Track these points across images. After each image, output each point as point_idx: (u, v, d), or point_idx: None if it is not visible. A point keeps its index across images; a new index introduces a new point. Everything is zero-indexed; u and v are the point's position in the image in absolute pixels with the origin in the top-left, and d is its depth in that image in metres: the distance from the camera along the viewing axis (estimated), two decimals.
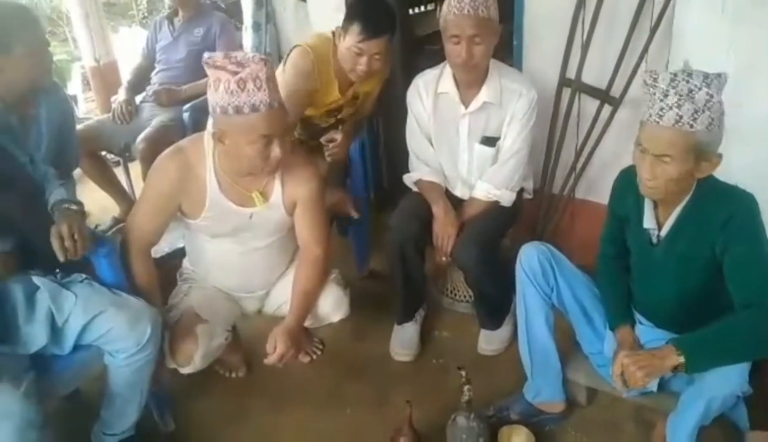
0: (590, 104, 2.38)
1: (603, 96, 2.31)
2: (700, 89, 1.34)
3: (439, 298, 2.58)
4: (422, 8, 4.32)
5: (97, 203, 3.23)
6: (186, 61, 3.19)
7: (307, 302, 1.93)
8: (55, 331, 1.60)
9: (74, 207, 1.66)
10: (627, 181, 1.59)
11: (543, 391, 1.89)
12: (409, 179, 2.28)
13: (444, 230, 2.10)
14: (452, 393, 1.86)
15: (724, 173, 1.48)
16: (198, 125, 2.87)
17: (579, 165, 2.47)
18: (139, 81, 3.30)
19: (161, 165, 1.79)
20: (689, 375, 1.46)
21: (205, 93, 3.01)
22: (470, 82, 2.09)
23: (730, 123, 1.41)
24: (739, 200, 1.45)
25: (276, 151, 1.66)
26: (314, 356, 2.30)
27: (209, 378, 2.13)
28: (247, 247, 1.92)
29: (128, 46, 4.88)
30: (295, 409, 2.08)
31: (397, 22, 2.22)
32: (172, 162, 1.77)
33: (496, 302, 2.25)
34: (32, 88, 1.97)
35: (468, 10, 1.90)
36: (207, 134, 1.79)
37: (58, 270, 1.66)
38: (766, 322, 1.37)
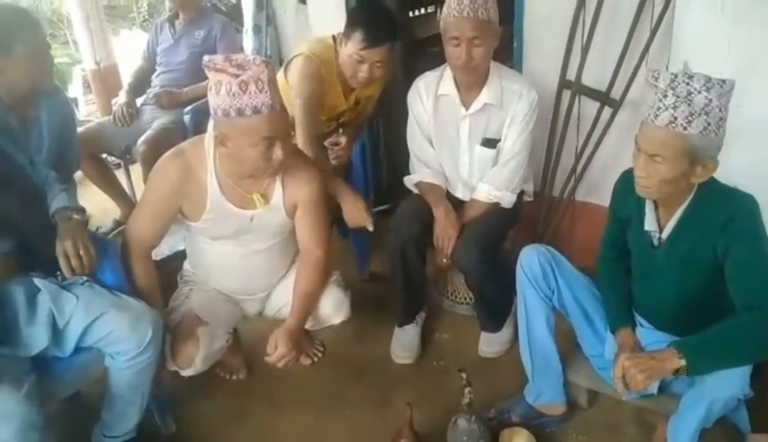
0: (590, 106, 2.38)
1: (603, 98, 2.31)
2: (699, 93, 1.33)
3: (439, 300, 2.58)
4: (422, 11, 4.33)
5: (97, 206, 3.23)
6: (187, 64, 3.19)
7: (308, 304, 1.93)
8: (56, 333, 1.60)
9: (76, 216, 1.66)
10: (628, 183, 1.59)
11: (544, 393, 1.88)
12: (409, 181, 2.28)
13: (445, 232, 2.10)
14: (453, 395, 1.85)
15: (723, 174, 1.48)
16: (199, 128, 2.88)
17: (579, 167, 2.47)
18: (140, 83, 3.30)
19: (162, 168, 1.79)
20: (690, 378, 1.46)
21: (206, 95, 3.03)
22: (470, 84, 2.09)
23: (729, 124, 1.41)
24: (740, 202, 1.45)
25: (278, 152, 1.66)
26: (315, 359, 2.30)
27: (210, 380, 2.12)
28: (248, 249, 1.92)
29: (129, 49, 4.88)
30: (296, 411, 2.08)
31: (398, 29, 2.22)
32: (173, 165, 1.78)
33: (496, 304, 2.25)
34: (33, 91, 1.97)
35: (467, 13, 1.91)
36: (208, 137, 1.79)
37: (59, 272, 1.65)
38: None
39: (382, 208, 2.20)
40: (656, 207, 1.57)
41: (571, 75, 2.36)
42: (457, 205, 2.21)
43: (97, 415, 1.78)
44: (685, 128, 1.35)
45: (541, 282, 1.76)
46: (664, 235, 1.56)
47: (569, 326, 1.84)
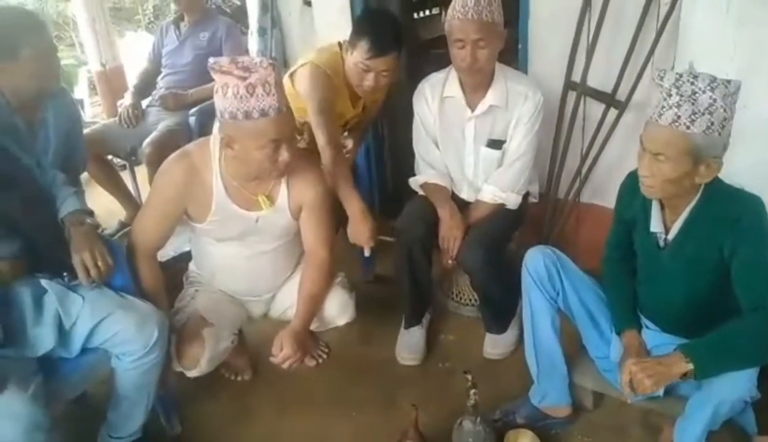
0: (595, 108, 2.38)
1: (608, 99, 2.31)
2: (703, 92, 1.33)
3: (444, 301, 2.58)
4: (427, 12, 4.33)
5: (103, 207, 3.23)
6: (192, 66, 3.21)
7: (313, 305, 1.93)
8: (63, 334, 1.60)
9: (89, 220, 1.67)
10: (633, 184, 1.59)
11: (549, 395, 1.88)
12: (415, 182, 2.28)
13: (450, 233, 2.10)
14: (458, 397, 1.85)
15: (728, 174, 1.47)
16: (204, 129, 2.89)
17: (584, 169, 2.46)
18: (146, 85, 3.32)
19: (167, 169, 1.80)
20: (697, 381, 1.45)
21: (211, 97, 3.04)
22: (476, 85, 2.09)
23: (735, 124, 1.41)
24: (747, 203, 1.45)
25: (284, 155, 1.66)
26: (320, 360, 2.29)
27: (215, 381, 2.13)
28: (254, 251, 1.92)
29: (134, 51, 4.91)
30: (301, 412, 2.08)
31: (404, 37, 2.20)
32: (179, 166, 1.78)
33: (501, 305, 2.25)
34: (40, 93, 1.98)
35: (472, 15, 1.91)
36: (213, 138, 1.80)
37: (65, 273, 1.66)
38: None
39: (387, 238, 2.17)
40: (662, 208, 1.56)
41: (577, 76, 2.36)
42: (462, 206, 2.21)
43: (102, 416, 1.78)
44: (688, 127, 1.35)
45: (546, 284, 1.75)
46: (670, 236, 1.55)
47: (574, 328, 1.84)
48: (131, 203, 3.19)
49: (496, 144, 2.15)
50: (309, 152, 2.12)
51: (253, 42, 3.27)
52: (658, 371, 1.42)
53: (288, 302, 2.00)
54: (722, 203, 1.46)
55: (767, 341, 1.38)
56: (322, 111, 2.09)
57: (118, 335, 1.61)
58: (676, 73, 1.38)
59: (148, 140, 2.95)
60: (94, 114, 5.10)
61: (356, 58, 2.13)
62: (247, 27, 3.41)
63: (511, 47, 2.31)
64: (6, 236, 1.56)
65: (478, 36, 1.93)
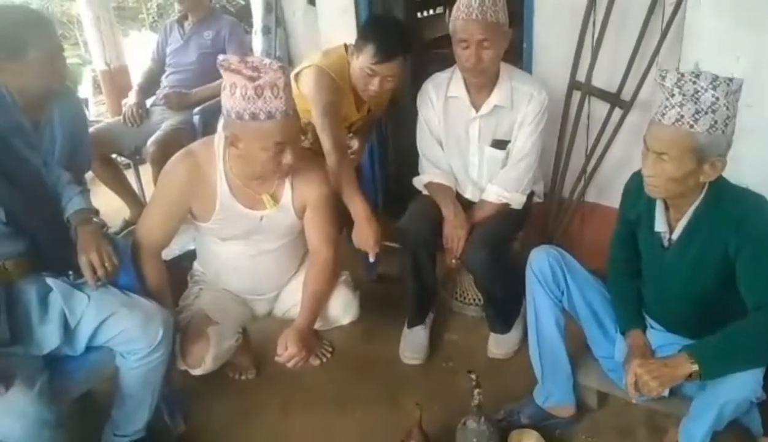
0: (600, 107, 2.38)
1: (613, 99, 2.30)
2: (706, 91, 1.33)
3: (448, 301, 2.58)
4: (431, 12, 4.33)
5: (107, 206, 3.24)
6: (196, 65, 3.21)
7: (317, 304, 1.93)
8: (68, 332, 1.60)
9: (95, 219, 1.68)
10: (638, 184, 1.58)
11: (553, 395, 1.88)
12: (419, 182, 2.28)
13: (454, 232, 2.10)
14: (462, 397, 1.86)
15: (733, 173, 1.47)
16: (208, 128, 2.89)
17: (589, 168, 2.46)
18: (150, 84, 3.32)
19: (171, 169, 1.80)
20: (702, 381, 1.45)
21: (215, 96, 3.04)
22: (480, 85, 2.09)
23: (740, 123, 1.41)
24: (752, 202, 1.45)
25: (288, 157, 1.67)
26: (324, 359, 2.30)
27: (219, 380, 2.13)
28: (258, 249, 1.92)
29: (138, 50, 4.90)
30: (305, 411, 2.08)
31: (411, 43, 2.20)
32: (183, 166, 1.78)
33: (505, 305, 2.25)
34: (46, 93, 1.99)
35: (476, 15, 1.91)
36: (218, 137, 1.80)
37: (70, 272, 1.66)
38: None
39: (392, 244, 2.15)
40: (666, 208, 1.56)
41: (581, 76, 2.35)
42: (467, 206, 2.21)
43: (107, 414, 1.79)
44: (691, 126, 1.34)
45: (550, 283, 1.75)
46: (675, 236, 1.55)
47: (579, 328, 1.84)
48: (135, 202, 3.19)
49: (500, 144, 2.15)
50: (313, 152, 2.12)
51: (257, 41, 3.27)
52: (663, 372, 1.42)
53: (292, 300, 2.01)
54: (727, 203, 1.46)
55: None
56: (326, 114, 2.09)
57: (122, 333, 1.61)
58: (678, 73, 1.38)
59: (152, 139, 2.95)
60: (98, 113, 5.10)
61: (362, 62, 2.13)
62: (251, 26, 3.41)
63: (515, 47, 2.31)
64: (12, 234, 1.57)
65: (482, 36, 1.93)
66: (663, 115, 1.38)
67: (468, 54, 1.97)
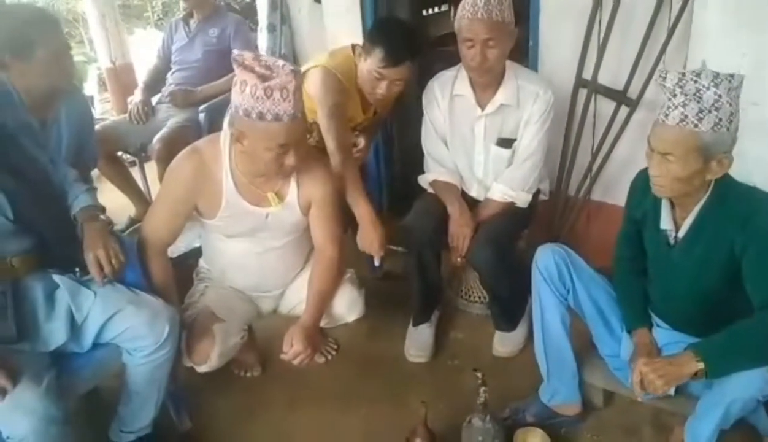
0: (606, 105, 2.37)
1: (620, 97, 2.30)
2: (708, 89, 1.33)
3: (453, 299, 2.58)
4: (436, 9, 4.31)
5: (113, 203, 3.25)
6: (201, 62, 3.21)
7: (323, 301, 1.93)
8: (75, 329, 1.61)
9: (102, 216, 1.69)
10: (644, 182, 1.58)
11: (559, 393, 1.88)
12: (424, 180, 2.28)
13: (459, 230, 2.10)
14: (467, 395, 1.86)
15: (740, 171, 1.47)
16: (214, 126, 2.89)
17: (595, 167, 2.45)
18: (155, 82, 3.33)
19: (177, 166, 1.81)
20: (709, 380, 1.45)
21: (221, 94, 3.06)
22: (486, 84, 2.09)
23: (746, 121, 1.41)
24: (759, 201, 1.44)
25: (291, 159, 1.67)
26: (329, 356, 2.31)
27: (225, 377, 2.13)
28: (264, 247, 1.93)
29: (144, 48, 4.92)
30: (310, 408, 2.09)
31: (419, 47, 2.19)
32: (188, 163, 1.79)
33: (510, 303, 2.25)
34: (53, 92, 1.99)
35: (481, 14, 1.90)
36: (223, 135, 1.81)
37: (77, 269, 1.67)
38: None
39: (397, 248, 2.13)
40: (672, 206, 1.56)
41: (588, 74, 2.35)
42: (472, 204, 2.21)
43: (114, 410, 1.79)
44: (696, 125, 1.34)
45: (556, 281, 1.75)
46: (681, 234, 1.55)
47: (584, 326, 1.83)
48: (141, 200, 3.20)
49: (506, 143, 2.15)
50: (318, 150, 2.12)
51: (262, 39, 3.27)
52: (669, 371, 1.42)
53: (297, 298, 2.01)
54: (733, 201, 1.45)
55: None
56: (332, 116, 2.09)
57: (129, 330, 1.62)
58: (679, 73, 1.37)
59: (157, 137, 2.95)
60: (103, 111, 5.12)
61: (370, 65, 2.12)
62: (256, 24, 3.41)
63: (521, 45, 2.30)
64: (19, 231, 1.57)
65: (487, 36, 1.92)
66: (666, 116, 1.37)
67: (473, 53, 1.96)
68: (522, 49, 2.41)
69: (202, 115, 3.06)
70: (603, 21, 2.25)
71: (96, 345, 1.65)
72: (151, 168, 3.08)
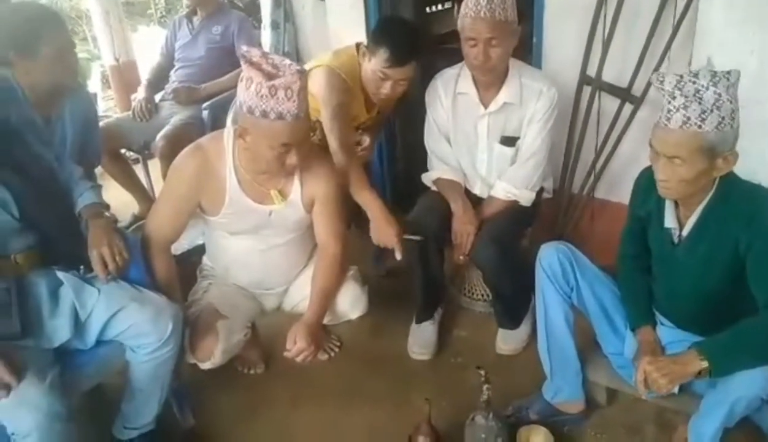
0: (610, 103, 2.36)
1: (624, 95, 2.29)
2: (707, 89, 1.32)
3: (457, 297, 2.58)
4: (439, 6, 4.30)
5: (116, 200, 3.25)
6: (205, 60, 3.21)
7: (326, 299, 1.94)
8: (78, 325, 1.61)
9: (106, 213, 1.69)
10: (648, 180, 1.58)
11: (562, 391, 1.87)
12: (427, 178, 2.28)
13: (463, 228, 2.09)
14: (470, 392, 1.85)
15: (745, 169, 1.46)
16: (217, 123, 2.89)
17: (599, 164, 2.45)
18: (159, 79, 3.33)
19: (181, 164, 1.81)
20: (713, 378, 1.44)
21: (224, 91, 3.06)
22: (489, 82, 2.08)
23: (751, 119, 1.40)
24: (763, 199, 1.44)
25: (292, 159, 1.67)
26: (332, 354, 2.31)
27: (228, 374, 2.14)
28: (267, 244, 1.93)
29: (147, 45, 4.92)
30: (314, 405, 2.09)
31: (424, 47, 2.18)
32: (192, 160, 1.79)
33: (514, 301, 2.25)
34: (58, 89, 2.00)
35: (484, 13, 1.89)
36: (227, 132, 1.81)
37: (81, 266, 1.68)
38: None
39: (414, 238, 2.11)
40: (676, 205, 1.55)
41: (592, 71, 2.34)
42: (475, 202, 2.20)
43: (117, 407, 1.80)
44: (699, 126, 1.33)
45: (560, 279, 1.75)
46: (685, 232, 1.54)
47: (588, 324, 1.83)
48: (145, 197, 3.20)
49: (509, 141, 2.14)
50: (321, 147, 2.12)
51: (265, 36, 3.27)
52: (673, 369, 1.41)
53: (301, 295, 2.01)
54: (737, 199, 1.45)
55: None
56: (335, 117, 2.09)
57: (132, 327, 1.62)
58: (677, 75, 1.37)
59: (161, 134, 2.96)
60: (107, 108, 5.13)
61: (374, 65, 2.12)
62: (259, 21, 3.41)
63: (525, 42, 2.29)
64: (23, 228, 1.58)
65: (490, 35, 1.91)
66: (668, 119, 1.36)
67: (476, 52, 1.95)
68: (526, 46, 2.40)
69: (205, 113, 3.06)
70: (607, 17, 2.24)
71: (100, 342, 1.65)
72: (155, 165, 3.09)
